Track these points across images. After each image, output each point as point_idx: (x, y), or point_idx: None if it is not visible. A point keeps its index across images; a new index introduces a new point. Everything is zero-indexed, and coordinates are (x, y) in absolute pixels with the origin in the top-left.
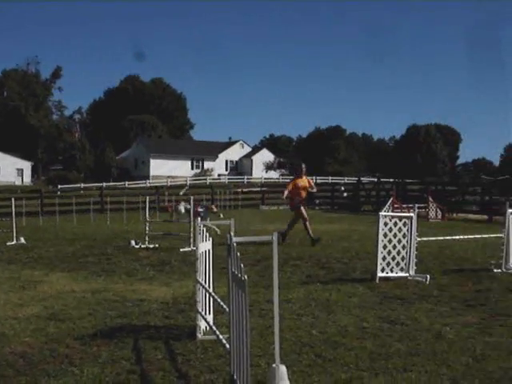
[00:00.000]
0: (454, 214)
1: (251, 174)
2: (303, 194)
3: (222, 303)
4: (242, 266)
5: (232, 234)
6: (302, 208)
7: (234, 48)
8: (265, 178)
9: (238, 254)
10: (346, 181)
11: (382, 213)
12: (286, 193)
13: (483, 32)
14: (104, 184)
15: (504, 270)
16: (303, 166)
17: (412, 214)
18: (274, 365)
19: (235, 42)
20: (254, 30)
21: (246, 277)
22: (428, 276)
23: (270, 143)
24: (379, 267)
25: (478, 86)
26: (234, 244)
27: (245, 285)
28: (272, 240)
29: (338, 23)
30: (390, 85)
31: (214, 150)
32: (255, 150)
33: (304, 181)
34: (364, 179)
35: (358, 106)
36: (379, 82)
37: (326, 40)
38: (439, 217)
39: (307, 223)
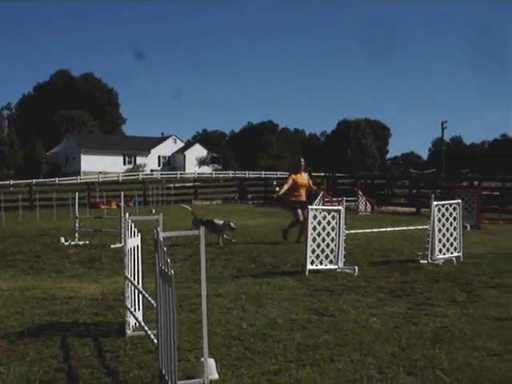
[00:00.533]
0: (383, 207)
1: (184, 169)
2: (303, 192)
3: (150, 299)
4: (169, 260)
5: (159, 229)
6: (299, 210)
7: (164, 41)
8: (198, 173)
9: (165, 248)
10: (279, 175)
11: (312, 206)
12: (284, 188)
13: (404, 28)
14: (33, 180)
15: (430, 260)
16: (302, 160)
17: (340, 208)
18: (202, 358)
19: (163, 36)
20: (182, 22)
21: (172, 272)
22: (356, 268)
23: (203, 138)
24: (309, 260)
25: (407, 81)
26: (161, 239)
27: (171, 280)
28: (199, 234)
29: (263, 14)
30: (322, 80)
31: (146, 145)
32: (188, 145)
33: (304, 178)
34: None
35: (290, 101)
36: (311, 76)
37: (259, 34)
38: (369, 210)
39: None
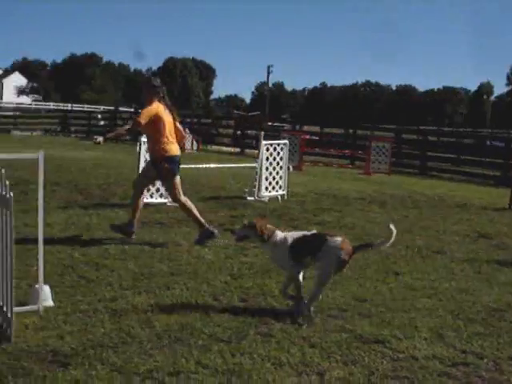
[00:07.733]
0: (209, 146)
1: (1, 98)
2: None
3: None
4: (8, 182)
5: None
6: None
7: None
8: (17, 103)
9: (3, 171)
10: (103, 109)
11: None
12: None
13: None
14: None
15: (257, 197)
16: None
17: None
18: (36, 285)
19: None
20: None
21: (11, 194)
22: None
23: (23, 66)
24: None
25: (237, 22)
26: None
27: (10, 203)
28: (38, 158)
29: None
30: (147, 14)
31: None
32: (6, 73)
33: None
34: (122, 109)
35: (116, 33)
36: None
37: None
38: (195, 148)
39: None
